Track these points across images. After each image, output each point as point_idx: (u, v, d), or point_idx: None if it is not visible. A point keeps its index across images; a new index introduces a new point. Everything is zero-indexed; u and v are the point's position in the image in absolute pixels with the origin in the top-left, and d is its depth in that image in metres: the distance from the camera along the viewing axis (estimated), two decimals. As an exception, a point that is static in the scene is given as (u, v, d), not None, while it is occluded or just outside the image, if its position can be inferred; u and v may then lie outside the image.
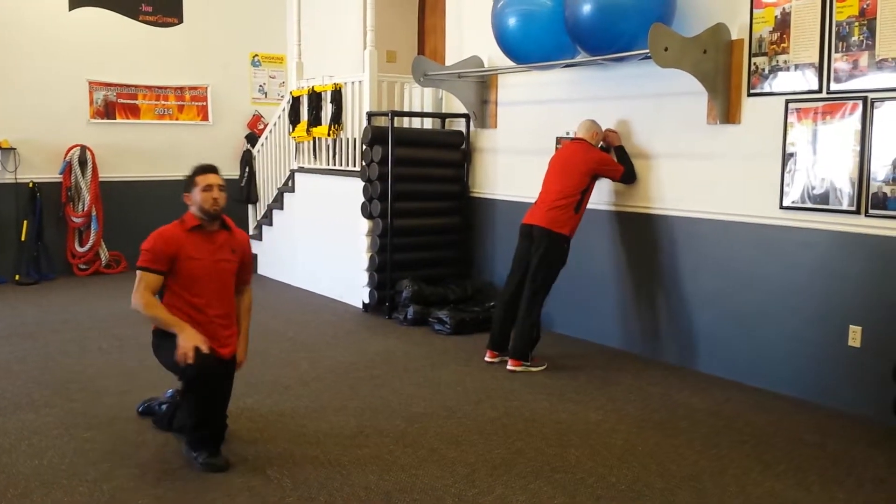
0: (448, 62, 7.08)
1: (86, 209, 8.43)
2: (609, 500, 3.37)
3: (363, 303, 7.01)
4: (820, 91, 4.50)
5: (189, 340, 3.54)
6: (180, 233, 3.78)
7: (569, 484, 3.52)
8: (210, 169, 3.87)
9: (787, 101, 4.64)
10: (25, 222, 8.25)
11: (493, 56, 6.48)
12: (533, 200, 5.54)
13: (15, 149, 8.13)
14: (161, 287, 3.76)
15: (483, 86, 6.83)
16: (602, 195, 5.82)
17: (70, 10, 8.48)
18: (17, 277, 8.16)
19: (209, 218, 3.81)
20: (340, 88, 7.30)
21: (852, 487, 3.52)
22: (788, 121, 4.64)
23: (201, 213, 3.80)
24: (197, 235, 3.79)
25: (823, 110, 4.48)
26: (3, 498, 3.32)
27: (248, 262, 4.05)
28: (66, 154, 8.36)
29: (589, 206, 5.92)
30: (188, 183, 3.83)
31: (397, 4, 8.64)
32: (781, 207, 4.72)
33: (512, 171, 6.61)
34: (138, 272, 3.71)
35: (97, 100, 8.56)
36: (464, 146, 7.01)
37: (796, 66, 4.59)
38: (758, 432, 4.17)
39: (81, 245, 8.54)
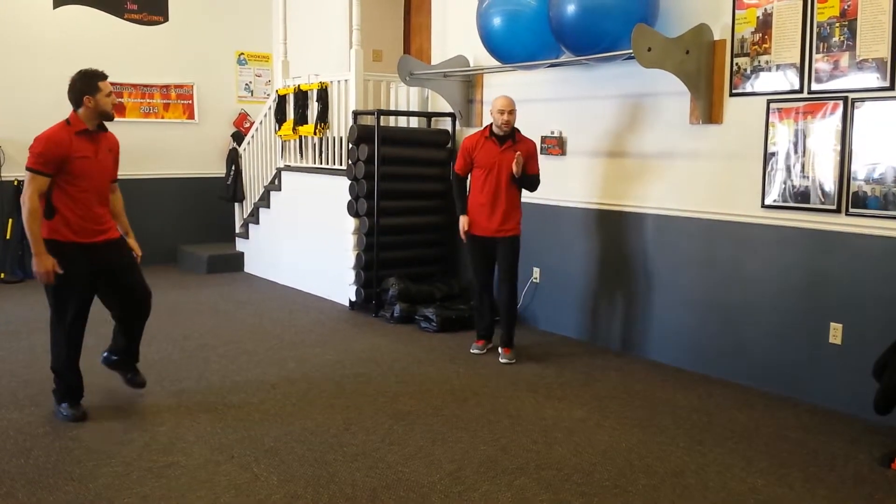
0: (434, 61, 7.10)
1: (71, 208, 8.39)
2: (593, 497, 3.41)
3: (350, 301, 7.02)
4: (801, 91, 4.55)
5: (43, 265, 4.00)
6: (68, 135, 4.05)
7: (554, 481, 3.55)
8: (106, 75, 4.19)
9: (769, 101, 4.69)
10: (10, 220, 8.21)
11: (478, 55, 6.50)
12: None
13: (0, 147, 8.11)
14: (49, 186, 4.03)
15: (469, 85, 6.86)
16: (586, 194, 5.86)
17: (55, 7, 8.45)
18: (2, 276, 8.12)
19: (107, 120, 4.17)
20: (326, 87, 7.31)
21: (834, 484, 3.57)
22: (770, 120, 4.69)
23: (101, 116, 4.13)
24: (82, 137, 4.08)
25: (804, 110, 4.53)
26: (-12, 497, 3.33)
27: (118, 161, 4.42)
28: (51, 152, 8.31)
29: (572, 204, 5.99)
30: (89, 86, 4.08)
31: (383, 4, 8.66)
32: (763, 206, 4.77)
33: (498, 169, 6.63)
34: (28, 174, 3.98)
35: (82, 98, 8.51)
36: (450, 145, 7.03)
37: (778, 67, 4.64)
38: (740, 429, 4.22)
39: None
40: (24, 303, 7.13)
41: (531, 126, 5.98)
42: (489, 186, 5.36)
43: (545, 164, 5.82)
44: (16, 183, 8.18)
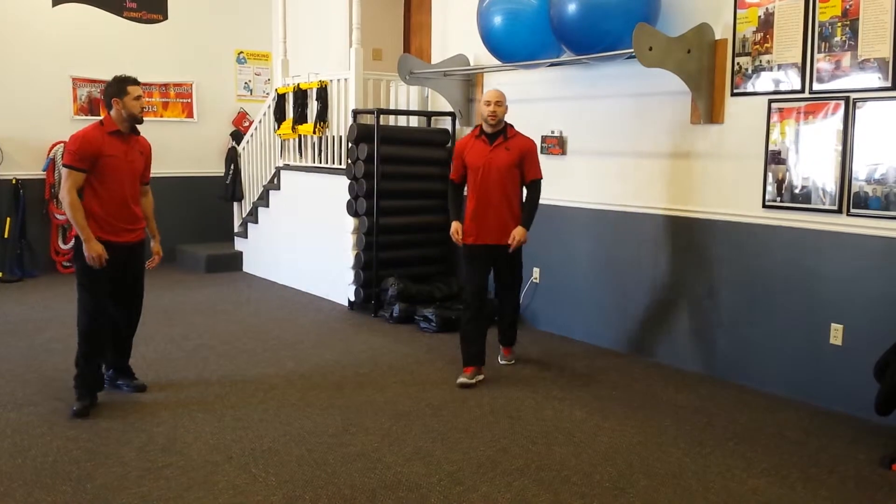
0: (434, 60, 7.09)
1: (69, 206, 8.39)
2: (593, 498, 3.39)
3: (349, 301, 7.00)
4: (802, 91, 4.53)
5: (93, 250, 4.20)
6: (101, 134, 4.31)
7: (553, 482, 3.54)
8: (137, 81, 4.42)
9: (770, 101, 4.68)
10: (9, 219, 8.19)
11: (478, 54, 6.49)
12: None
13: (-2, 145, 8.09)
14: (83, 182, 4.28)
15: (469, 84, 6.84)
16: (586, 193, 5.84)
17: (53, 5, 8.43)
18: (0, 275, 8.10)
19: (136, 123, 4.41)
20: (326, 86, 7.29)
21: (834, 485, 3.55)
22: (771, 120, 4.68)
23: (130, 119, 4.36)
24: (114, 137, 4.34)
25: (806, 110, 4.52)
26: (-15, 497, 3.31)
27: (150, 164, 4.67)
28: (50, 151, 8.30)
29: (572, 203, 5.97)
30: (118, 90, 4.32)
31: (383, 2, 8.64)
32: (764, 206, 4.76)
33: (498, 169, 6.61)
34: (65, 170, 4.28)
35: (81, 96, 8.50)
36: (450, 144, 7.01)
37: (779, 66, 4.63)
38: (741, 430, 4.21)
39: (65, 242, 8.49)
40: (23, 302, 7.12)
41: (531, 125, 5.96)
42: (480, 190, 4.88)
43: (545, 164, 5.79)
44: (14, 182, 8.17)
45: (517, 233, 4.87)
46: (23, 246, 8.26)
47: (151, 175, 4.75)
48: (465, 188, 5.07)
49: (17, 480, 3.46)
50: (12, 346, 5.62)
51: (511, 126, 4.99)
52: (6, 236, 8.20)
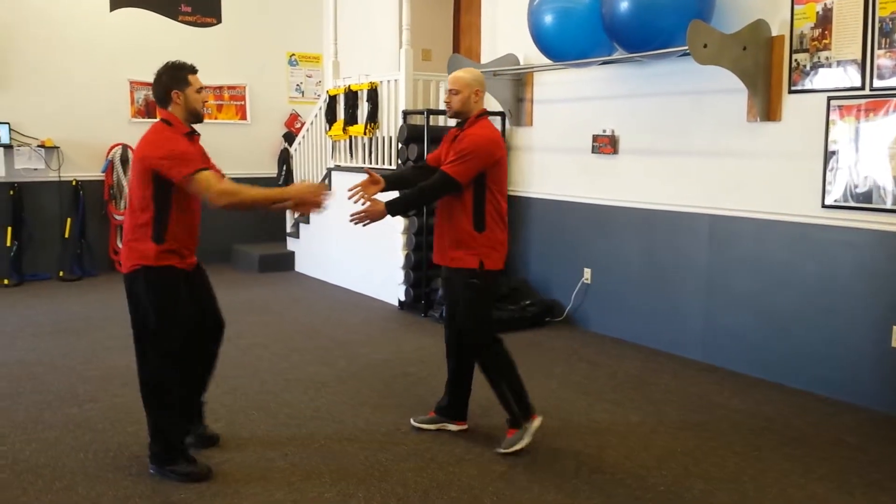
0: (483, 60, 7.08)
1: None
2: (648, 502, 3.36)
3: (399, 300, 7.04)
4: (863, 88, 4.42)
5: (306, 198, 3.71)
6: (180, 138, 3.50)
7: (606, 485, 3.51)
8: (196, 69, 3.61)
9: (829, 99, 4.57)
10: (69, 220, 8.41)
11: (528, 54, 6.46)
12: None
13: (59, 147, 8.29)
14: (167, 200, 3.44)
15: (518, 83, 6.81)
16: (639, 193, 5.78)
17: (111, 10, 8.62)
18: (60, 274, 8.32)
19: (197, 121, 3.60)
20: (376, 87, 7.34)
21: (896, 491, 3.47)
22: (830, 118, 4.57)
23: (190, 114, 3.55)
24: (188, 139, 3.53)
25: (866, 107, 4.41)
26: (49, 490, 3.40)
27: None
28: (109, 153, 8.50)
29: (624, 203, 5.89)
30: (177, 79, 3.50)
31: (433, 3, 8.66)
32: (823, 206, 4.65)
33: (548, 169, 6.58)
34: (192, 178, 3.34)
35: (138, 99, 8.68)
36: (500, 144, 6.98)
37: (838, 63, 4.53)
38: (798, 435, 4.12)
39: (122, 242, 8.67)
40: (83, 300, 7.29)
41: (582, 125, 5.92)
42: None
43: (595, 163, 5.76)
44: (74, 183, 8.38)
45: (369, 206, 3.87)
46: (82, 246, 8.48)
47: None
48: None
49: (79, 475, 3.55)
50: (73, 343, 5.77)
51: (482, 116, 3.85)
52: (66, 236, 8.42)
